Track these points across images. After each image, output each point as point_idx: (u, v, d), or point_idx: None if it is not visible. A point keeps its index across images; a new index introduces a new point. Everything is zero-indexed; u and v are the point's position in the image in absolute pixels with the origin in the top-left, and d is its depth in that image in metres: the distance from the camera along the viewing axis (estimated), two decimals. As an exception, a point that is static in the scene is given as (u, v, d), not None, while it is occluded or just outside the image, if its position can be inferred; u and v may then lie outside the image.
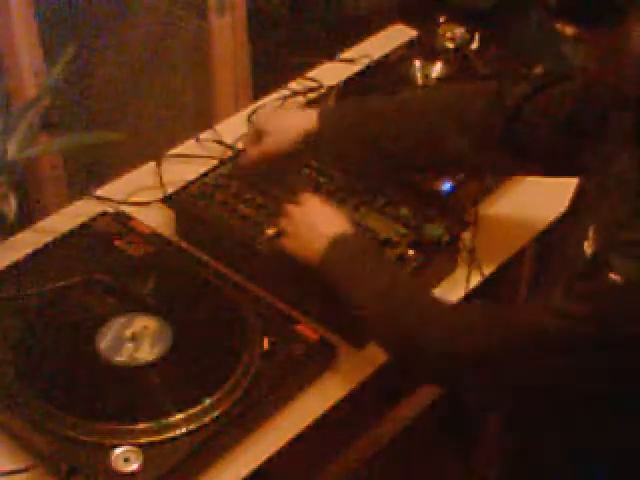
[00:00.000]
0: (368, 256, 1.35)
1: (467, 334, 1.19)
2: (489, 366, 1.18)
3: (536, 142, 1.40)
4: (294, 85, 1.98)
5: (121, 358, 1.34)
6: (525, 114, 1.39)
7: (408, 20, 2.22)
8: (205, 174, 1.63)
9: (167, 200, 1.62)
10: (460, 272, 1.56)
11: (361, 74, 1.95)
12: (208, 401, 1.28)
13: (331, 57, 2.07)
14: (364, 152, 1.49)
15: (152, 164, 1.77)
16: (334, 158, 1.54)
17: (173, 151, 1.81)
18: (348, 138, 1.50)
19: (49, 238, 1.56)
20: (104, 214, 1.61)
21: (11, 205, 1.61)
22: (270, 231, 1.47)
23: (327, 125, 1.51)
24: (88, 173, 2.38)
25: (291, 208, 1.42)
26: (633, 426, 1.20)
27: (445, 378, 1.27)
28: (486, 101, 1.44)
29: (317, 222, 1.37)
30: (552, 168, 1.45)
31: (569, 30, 1.09)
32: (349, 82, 1.91)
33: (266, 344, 1.37)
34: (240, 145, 1.79)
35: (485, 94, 1.45)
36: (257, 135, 1.55)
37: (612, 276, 1.06)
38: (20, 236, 1.62)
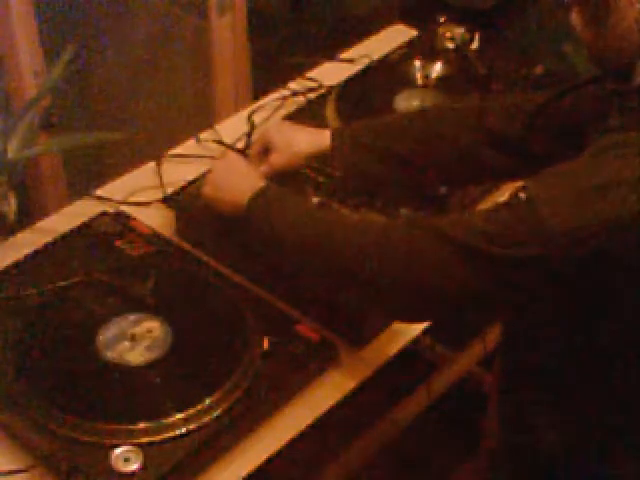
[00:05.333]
0: (292, 202, 1.37)
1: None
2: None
3: (549, 147, 1.40)
4: (294, 85, 1.98)
5: (121, 358, 1.34)
6: (544, 121, 1.40)
7: (408, 20, 2.22)
8: (205, 174, 1.63)
9: (167, 200, 1.62)
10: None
11: (361, 74, 1.95)
12: (208, 401, 1.28)
13: (331, 57, 2.07)
14: (382, 164, 1.48)
15: (152, 164, 1.77)
16: (351, 176, 1.53)
17: (173, 151, 1.81)
18: (365, 152, 1.49)
19: (49, 238, 1.56)
20: (104, 214, 1.61)
21: (11, 205, 1.61)
22: None
23: (341, 143, 1.50)
24: (88, 173, 2.39)
25: (214, 162, 1.53)
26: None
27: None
28: (503, 107, 1.44)
29: (239, 173, 1.44)
30: None
31: None
32: (349, 82, 1.91)
33: (266, 344, 1.37)
34: (240, 145, 1.80)
35: (502, 101, 1.47)
36: (264, 148, 1.55)
37: (520, 194, 1.11)
38: (20, 236, 1.62)
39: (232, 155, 1.53)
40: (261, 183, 1.39)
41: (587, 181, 1.08)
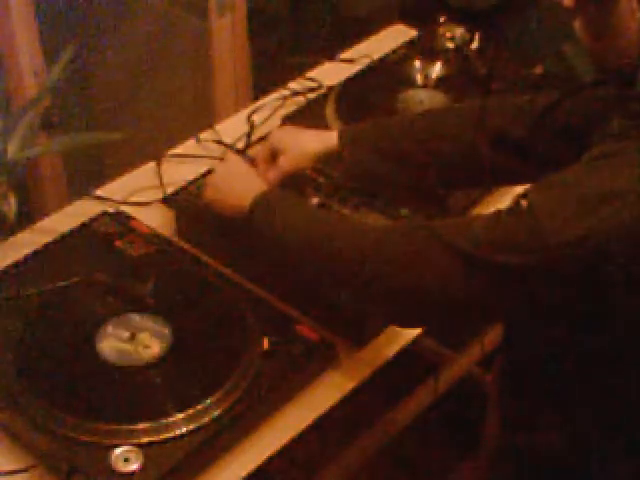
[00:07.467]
0: (294, 206, 1.37)
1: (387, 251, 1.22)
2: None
3: (551, 148, 1.40)
4: (294, 85, 1.98)
5: (121, 358, 1.34)
6: (548, 123, 1.40)
7: (408, 20, 2.22)
8: (205, 174, 1.63)
9: (167, 200, 1.63)
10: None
11: (361, 74, 1.95)
12: (208, 401, 1.28)
13: (331, 57, 2.07)
14: (386, 163, 1.48)
15: (152, 164, 1.77)
16: (357, 175, 1.53)
17: (173, 151, 1.81)
18: (371, 152, 1.48)
19: (49, 238, 1.56)
20: (104, 214, 1.61)
21: (11, 205, 1.61)
22: None
23: (348, 144, 1.50)
24: (88, 173, 2.39)
25: (216, 165, 1.52)
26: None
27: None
28: (506, 108, 1.44)
29: (240, 175, 1.44)
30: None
31: (567, 1, 1.14)
32: (349, 82, 1.91)
33: (266, 344, 1.37)
34: (240, 145, 1.80)
35: (505, 102, 1.47)
36: (271, 153, 1.54)
37: (522, 202, 1.12)
38: (20, 236, 1.62)
39: (233, 158, 1.53)
40: (263, 186, 1.39)
41: (586, 190, 1.08)
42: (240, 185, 1.42)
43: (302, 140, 1.52)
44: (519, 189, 1.67)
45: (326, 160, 1.53)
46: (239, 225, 1.40)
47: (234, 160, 1.51)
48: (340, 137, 1.50)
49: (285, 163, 1.51)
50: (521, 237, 1.10)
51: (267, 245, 1.35)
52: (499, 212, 1.16)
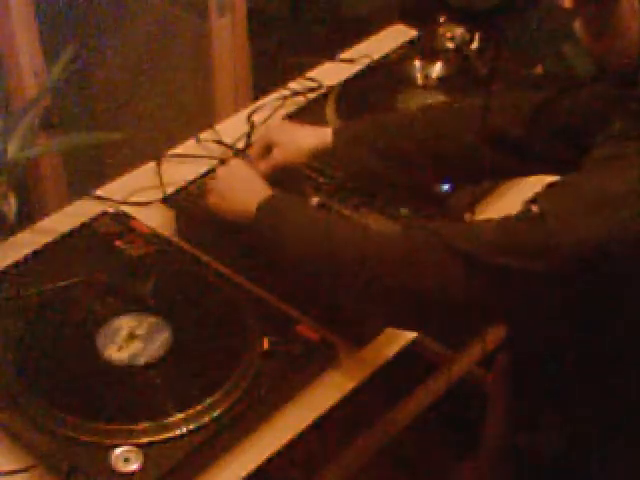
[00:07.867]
0: (298, 210, 1.37)
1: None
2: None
3: (550, 147, 1.40)
4: (294, 85, 1.98)
5: (121, 358, 1.34)
6: (545, 121, 1.40)
7: (408, 20, 2.22)
8: (205, 174, 1.63)
9: (167, 200, 1.63)
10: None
11: (361, 74, 1.95)
12: (208, 401, 1.28)
13: (331, 57, 2.07)
14: (383, 161, 1.48)
15: (152, 164, 1.77)
16: (352, 173, 1.53)
17: (173, 151, 1.81)
18: (366, 150, 1.49)
19: (49, 238, 1.56)
20: (104, 214, 1.61)
21: (11, 205, 1.61)
22: None
23: (343, 140, 1.50)
24: (88, 173, 2.39)
25: (218, 168, 1.51)
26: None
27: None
28: (505, 107, 1.44)
29: (244, 181, 1.43)
30: (559, 168, 1.45)
31: (567, 2, 1.14)
32: (349, 82, 1.91)
33: (266, 344, 1.37)
34: (240, 145, 1.80)
35: (504, 101, 1.46)
36: (266, 148, 1.54)
37: (532, 207, 1.12)
38: (20, 236, 1.62)
39: (236, 162, 1.52)
40: (266, 190, 1.39)
41: (588, 192, 1.09)
42: (243, 189, 1.42)
43: (298, 135, 1.53)
44: (520, 190, 1.68)
45: (321, 157, 1.53)
46: (239, 225, 1.39)
47: (237, 164, 1.50)
48: (335, 134, 1.51)
49: (279, 155, 1.51)
50: (530, 243, 1.09)
51: (270, 248, 1.35)
52: (508, 217, 1.15)
